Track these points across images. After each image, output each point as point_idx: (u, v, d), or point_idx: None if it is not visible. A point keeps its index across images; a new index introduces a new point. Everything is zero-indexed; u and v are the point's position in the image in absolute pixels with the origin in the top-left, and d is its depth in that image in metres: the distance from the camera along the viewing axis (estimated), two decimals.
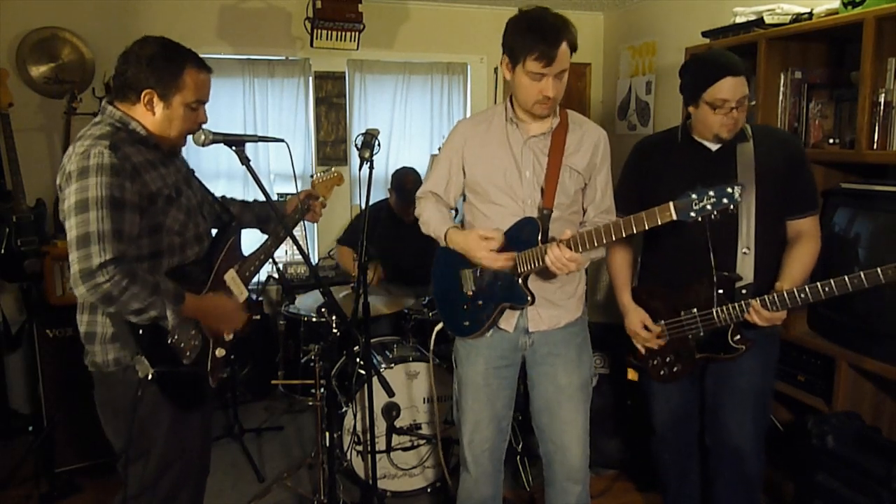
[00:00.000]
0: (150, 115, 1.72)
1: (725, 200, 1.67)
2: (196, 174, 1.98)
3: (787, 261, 2.11)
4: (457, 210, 2.24)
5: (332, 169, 2.27)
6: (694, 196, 1.68)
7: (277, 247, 2.03)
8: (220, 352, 1.84)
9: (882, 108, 2.34)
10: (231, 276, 1.89)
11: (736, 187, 1.66)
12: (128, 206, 1.61)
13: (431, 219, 2.10)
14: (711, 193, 1.67)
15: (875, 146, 2.38)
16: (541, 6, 1.89)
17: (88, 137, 1.63)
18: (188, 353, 1.74)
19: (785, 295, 1.95)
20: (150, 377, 1.64)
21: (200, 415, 1.87)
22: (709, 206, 1.67)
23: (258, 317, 1.97)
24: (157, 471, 1.76)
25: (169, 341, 1.70)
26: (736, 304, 2.06)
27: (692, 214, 1.69)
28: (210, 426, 2.01)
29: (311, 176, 2.18)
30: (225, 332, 1.85)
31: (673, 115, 3.85)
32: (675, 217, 1.71)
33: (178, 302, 1.68)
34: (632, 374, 2.34)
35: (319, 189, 2.20)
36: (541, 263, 1.89)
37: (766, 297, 1.98)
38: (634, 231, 1.78)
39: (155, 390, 1.68)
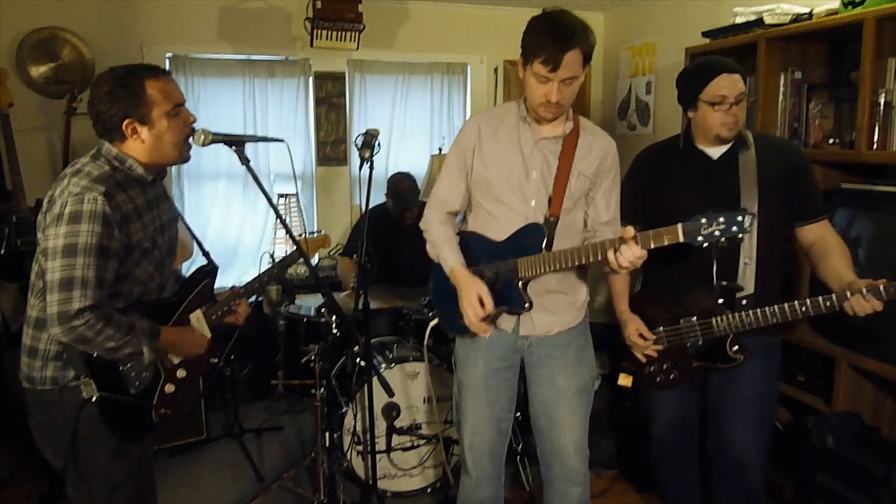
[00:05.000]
0: (139, 143, 1.71)
1: (735, 228, 1.63)
2: (183, 219, 1.99)
3: (834, 262, 2.03)
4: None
5: (322, 231, 2.28)
6: (703, 221, 1.65)
7: (250, 295, 2.02)
8: (169, 387, 1.83)
9: (882, 108, 2.34)
10: (197, 317, 1.90)
11: (747, 216, 1.63)
12: (112, 255, 1.63)
13: (439, 243, 2.05)
14: (721, 220, 1.63)
15: (875, 146, 2.38)
16: (564, 9, 1.84)
17: (85, 177, 1.62)
18: (136, 384, 1.74)
19: (882, 289, 1.84)
20: (93, 399, 1.64)
21: (145, 446, 1.86)
22: (717, 233, 1.64)
23: (215, 360, 1.97)
24: (105, 495, 1.75)
25: (120, 368, 1.71)
26: (736, 315, 2.06)
27: (699, 239, 1.66)
28: (150, 451, 1.99)
29: (299, 235, 2.17)
30: (189, 355, 1.85)
31: (673, 115, 3.85)
32: (681, 240, 1.67)
33: (155, 338, 1.71)
34: (623, 380, 2.33)
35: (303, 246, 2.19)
36: (543, 270, 1.88)
37: (877, 287, 1.85)
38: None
39: (94, 413, 1.67)
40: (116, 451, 1.74)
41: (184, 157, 1.81)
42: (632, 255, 1.72)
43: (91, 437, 1.70)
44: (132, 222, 1.68)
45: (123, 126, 1.68)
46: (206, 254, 2.01)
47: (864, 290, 1.85)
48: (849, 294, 1.88)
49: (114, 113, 1.67)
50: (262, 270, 2.09)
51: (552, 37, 1.77)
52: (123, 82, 1.68)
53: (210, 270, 1.97)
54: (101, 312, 1.58)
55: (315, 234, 2.27)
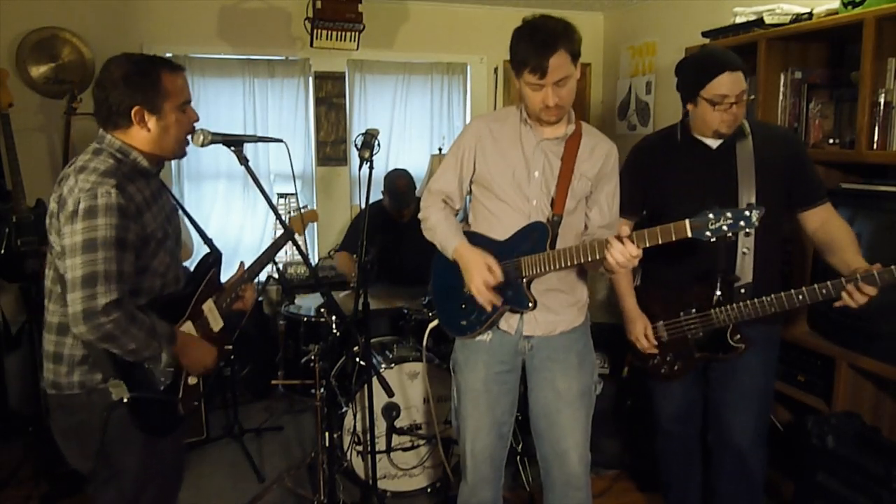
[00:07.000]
0: (144, 132, 1.70)
1: (742, 223, 1.65)
2: (182, 208, 1.96)
3: (840, 248, 2.03)
4: (458, 211, 2.23)
5: (307, 206, 2.27)
6: (711, 216, 1.66)
7: (252, 279, 2.02)
8: (192, 380, 1.83)
9: (882, 108, 2.35)
10: (209, 307, 1.90)
11: (754, 211, 1.64)
12: (129, 246, 1.61)
13: (439, 227, 2.05)
14: (729, 215, 1.65)
15: (875, 146, 2.38)
16: (544, 14, 1.86)
17: (93, 172, 1.60)
18: (162, 380, 1.74)
19: (876, 274, 1.83)
20: (124, 400, 1.63)
21: (173, 435, 1.86)
22: (724, 228, 1.66)
23: (230, 347, 1.96)
24: (133, 492, 1.75)
25: (146, 366, 1.70)
26: (735, 305, 2.07)
27: (707, 234, 1.67)
28: (182, 442, 1.99)
29: (283, 205, 2.18)
30: (194, 371, 1.85)
31: (673, 115, 3.84)
32: (689, 236, 1.68)
33: (172, 343, 1.69)
34: (626, 373, 2.35)
35: (294, 225, 2.19)
36: (546, 269, 1.88)
37: (871, 273, 1.84)
38: (647, 245, 1.74)
39: (124, 413, 1.66)
40: (145, 447, 1.74)
41: (181, 153, 1.81)
42: (627, 252, 1.71)
43: (120, 437, 1.69)
44: (144, 213, 1.67)
45: (132, 113, 1.66)
46: (207, 241, 2.00)
47: (860, 278, 1.85)
48: (844, 282, 1.88)
49: (125, 98, 1.65)
50: (263, 270, 2.09)
51: (534, 45, 1.79)
52: (141, 69, 1.67)
53: (215, 259, 1.96)
54: (125, 309, 1.56)
55: (301, 210, 2.26)
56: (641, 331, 2.23)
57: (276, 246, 2.07)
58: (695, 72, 2.08)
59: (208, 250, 1.97)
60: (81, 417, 1.69)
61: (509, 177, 1.98)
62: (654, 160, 2.26)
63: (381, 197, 3.81)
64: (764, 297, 2.01)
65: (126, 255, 1.60)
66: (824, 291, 1.91)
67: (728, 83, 2.00)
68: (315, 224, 4.40)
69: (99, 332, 1.53)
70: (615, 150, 2.05)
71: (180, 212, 1.96)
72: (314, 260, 4.31)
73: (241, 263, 2.04)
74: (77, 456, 1.75)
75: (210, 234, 1.98)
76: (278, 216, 1.97)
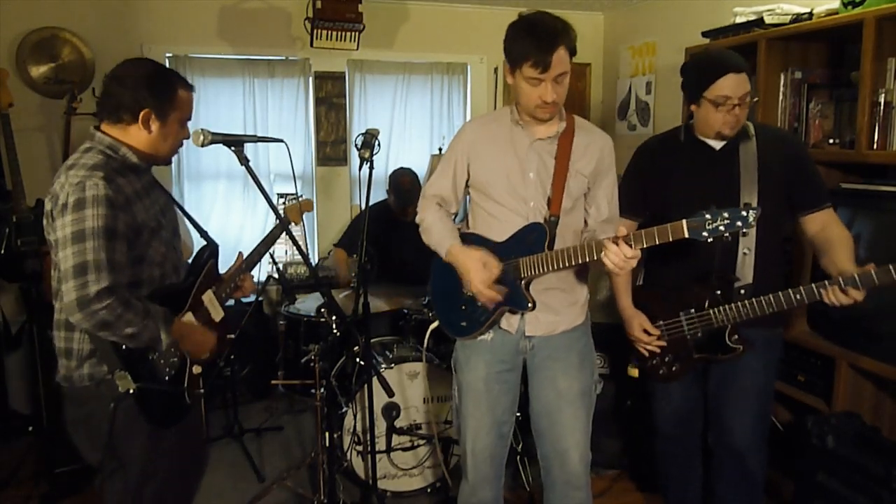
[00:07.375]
0: (144, 133, 1.74)
1: (739, 223, 1.66)
2: (176, 201, 1.98)
3: (833, 251, 2.03)
4: (455, 213, 2.23)
5: (302, 196, 2.28)
6: (708, 216, 1.67)
7: (250, 269, 2.05)
8: (196, 368, 1.85)
9: (882, 108, 2.35)
10: (209, 297, 1.92)
11: (751, 211, 1.65)
12: (119, 236, 1.64)
13: (433, 228, 2.06)
14: (726, 215, 1.66)
15: (875, 146, 2.38)
16: (540, 10, 1.87)
17: (81, 167, 1.65)
18: (168, 370, 1.76)
19: (874, 273, 1.84)
20: (130, 391, 1.66)
21: (184, 423, 1.87)
22: (721, 228, 1.66)
23: (233, 336, 1.97)
24: (138, 482, 1.77)
25: (150, 357, 1.72)
26: (733, 305, 2.07)
27: (704, 234, 1.68)
28: (197, 442, 2.00)
29: (283, 204, 2.19)
30: (198, 356, 1.87)
31: (673, 115, 3.85)
32: (686, 236, 1.69)
33: (169, 324, 1.72)
34: (631, 371, 2.35)
35: (290, 215, 2.20)
36: (545, 269, 1.88)
37: (852, 276, 1.87)
38: (645, 246, 1.74)
39: (131, 404, 1.69)
40: (150, 439, 1.76)
41: (167, 161, 1.88)
42: (622, 254, 1.72)
43: (127, 428, 1.72)
44: (134, 203, 1.71)
45: (141, 113, 1.72)
46: (203, 233, 2.01)
47: (842, 281, 1.86)
48: (842, 281, 1.88)
49: (140, 97, 1.71)
50: (262, 269, 2.10)
51: (537, 40, 1.80)
52: (164, 76, 1.76)
53: (212, 251, 1.98)
54: (118, 296, 1.59)
55: (295, 199, 2.28)
56: (637, 328, 2.23)
57: (273, 235, 2.10)
58: (698, 73, 2.09)
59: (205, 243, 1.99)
60: (91, 408, 1.72)
61: (504, 180, 1.98)
62: (658, 160, 2.27)
63: (382, 197, 3.81)
64: (762, 297, 2.02)
65: (116, 245, 1.63)
66: (822, 291, 1.92)
67: (731, 85, 2.00)
68: (315, 224, 4.41)
69: (94, 319, 1.56)
70: (610, 143, 2.05)
71: (179, 211, 1.98)
72: (314, 260, 4.30)
73: (240, 253, 2.06)
74: (87, 448, 1.79)
75: (210, 234, 2.00)
76: (278, 215, 1.97)
